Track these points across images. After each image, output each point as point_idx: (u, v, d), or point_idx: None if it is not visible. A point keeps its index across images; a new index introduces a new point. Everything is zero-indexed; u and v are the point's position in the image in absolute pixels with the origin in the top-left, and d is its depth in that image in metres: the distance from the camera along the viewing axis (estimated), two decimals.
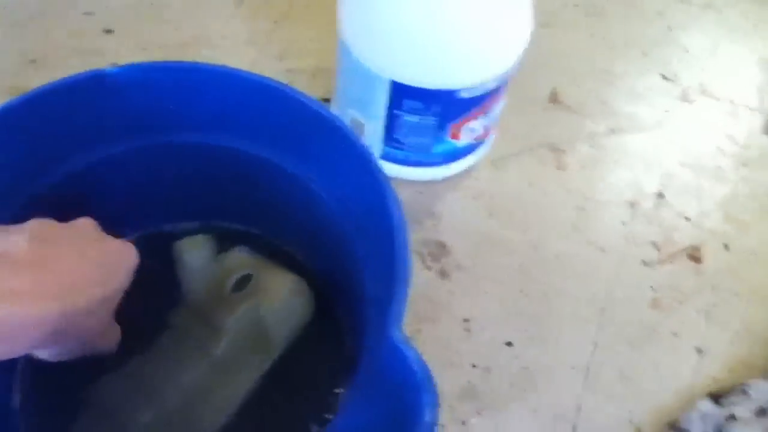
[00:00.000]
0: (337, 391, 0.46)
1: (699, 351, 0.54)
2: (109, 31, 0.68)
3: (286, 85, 0.42)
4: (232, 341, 0.46)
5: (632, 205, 0.61)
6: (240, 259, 0.50)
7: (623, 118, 0.66)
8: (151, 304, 0.44)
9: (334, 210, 0.43)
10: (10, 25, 0.68)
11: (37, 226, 0.34)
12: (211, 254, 0.50)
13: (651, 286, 0.56)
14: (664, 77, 0.69)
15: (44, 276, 0.32)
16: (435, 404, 0.29)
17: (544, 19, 0.72)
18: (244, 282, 0.48)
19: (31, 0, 0.69)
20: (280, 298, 0.47)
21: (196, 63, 0.43)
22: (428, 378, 0.30)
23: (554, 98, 0.67)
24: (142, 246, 0.40)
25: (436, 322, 0.54)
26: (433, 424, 0.29)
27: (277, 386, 0.46)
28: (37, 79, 0.41)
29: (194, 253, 0.50)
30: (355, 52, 0.51)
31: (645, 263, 0.58)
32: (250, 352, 0.46)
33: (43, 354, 0.36)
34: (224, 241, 0.50)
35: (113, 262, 0.37)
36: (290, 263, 0.50)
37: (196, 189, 0.49)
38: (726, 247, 0.59)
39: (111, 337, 0.40)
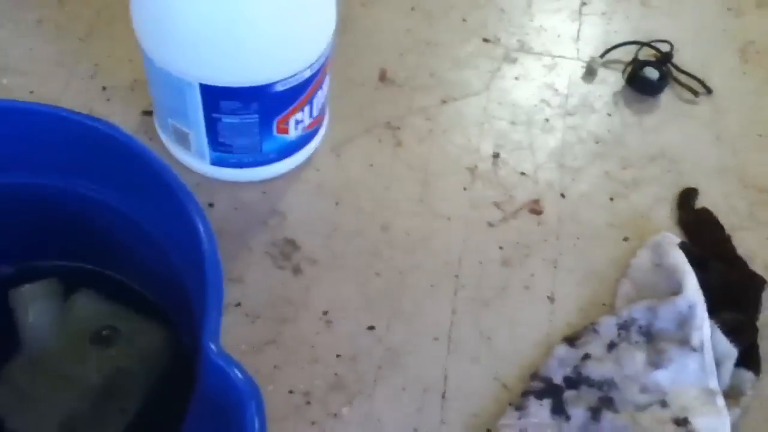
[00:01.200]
0: None
1: (551, 299, 0.56)
2: None
3: (82, 114, 0.39)
4: (92, 397, 0.44)
5: (471, 170, 0.62)
6: (92, 307, 0.47)
7: (452, 86, 0.67)
8: None
9: (160, 240, 0.41)
10: None
11: None
12: (59, 301, 0.47)
13: (499, 245, 0.58)
14: (485, 40, 0.71)
15: None
16: (261, 413, 0.28)
17: None
18: (101, 333, 0.46)
19: None
20: (141, 349, 0.46)
21: None
22: (252, 387, 0.29)
23: (383, 76, 0.67)
24: None
25: (295, 321, 0.53)
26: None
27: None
28: None
29: (40, 301, 0.47)
30: (157, 60, 0.49)
31: (490, 224, 0.59)
32: (109, 406, 0.44)
33: None
34: (64, 279, 0.47)
35: None
36: (131, 296, 0.47)
37: (25, 229, 0.46)
38: (562, 195, 0.61)
39: None
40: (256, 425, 0.29)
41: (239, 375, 0.30)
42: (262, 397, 0.30)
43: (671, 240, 0.56)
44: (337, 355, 0.52)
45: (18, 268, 0.47)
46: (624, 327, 0.51)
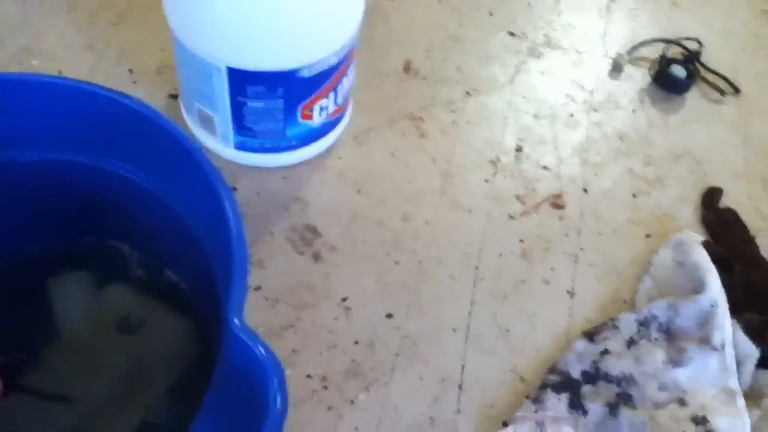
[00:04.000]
0: None
1: (570, 294, 0.55)
2: None
3: (112, 90, 0.40)
4: (117, 382, 0.44)
5: (494, 162, 0.62)
6: (123, 297, 0.48)
7: (477, 79, 0.67)
8: (22, 338, 0.41)
9: (186, 218, 0.41)
10: None
11: None
12: (92, 291, 0.48)
13: (519, 239, 0.58)
14: (512, 34, 0.71)
15: None
16: (283, 390, 0.28)
17: None
18: (128, 322, 0.47)
19: None
20: (166, 336, 0.46)
21: (10, 74, 0.40)
22: (274, 364, 0.29)
23: (408, 68, 0.67)
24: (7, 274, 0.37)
25: (315, 307, 0.53)
26: (283, 410, 0.28)
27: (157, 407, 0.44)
28: None
29: (73, 290, 0.48)
30: (187, 43, 0.49)
31: (511, 217, 0.59)
32: (134, 392, 0.45)
33: None
34: (93, 260, 0.48)
35: None
36: (158, 276, 0.48)
37: (55, 207, 0.46)
38: (585, 190, 0.61)
39: None
40: (278, 401, 0.29)
41: (262, 351, 0.30)
42: (285, 374, 0.30)
43: (694, 238, 0.56)
44: (355, 342, 0.52)
45: (47, 248, 0.48)
46: (644, 324, 0.51)
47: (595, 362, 0.50)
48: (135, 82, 0.63)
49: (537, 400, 0.48)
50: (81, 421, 0.43)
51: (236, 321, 0.30)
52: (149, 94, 0.62)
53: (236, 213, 0.33)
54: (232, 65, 0.48)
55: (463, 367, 0.51)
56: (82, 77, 0.62)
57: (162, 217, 0.42)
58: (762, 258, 0.57)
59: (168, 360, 0.46)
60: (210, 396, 0.32)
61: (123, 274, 0.48)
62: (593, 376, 0.49)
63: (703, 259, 0.53)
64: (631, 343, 0.50)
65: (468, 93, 0.66)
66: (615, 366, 0.49)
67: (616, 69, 0.69)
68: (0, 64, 0.63)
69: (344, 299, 0.54)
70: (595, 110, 0.66)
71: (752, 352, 0.50)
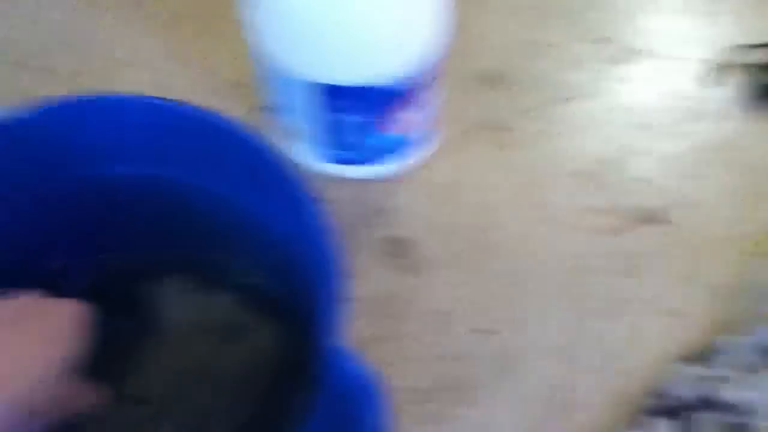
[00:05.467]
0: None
1: (673, 313, 0.52)
2: (22, 66, 0.65)
3: (203, 110, 0.40)
4: (216, 390, 0.45)
5: (589, 174, 0.59)
6: (221, 305, 0.48)
7: (561, 87, 0.65)
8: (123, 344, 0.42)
9: (278, 236, 0.41)
10: None
11: None
12: (192, 298, 0.49)
13: (619, 255, 0.55)
14: (599, 40, 0.68)
15: None
16: (387, 413, 0.27)
17: None
18: (226, 330, 0.47)
19: None
20: (261, 350, 0.46)
21: (102, 96, 0.40)
22: (376, 384, 0.28)
23: (489, 77, 0.65)
24: (105, 282, 0.39)
25: (406, 319, 0.52)
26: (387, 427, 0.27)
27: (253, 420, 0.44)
28: None
29: (175, 297, 0.48)
30: (270, 57, 0.49)
31: (610, 232, 0.56)
32: (230, 402, 0.45)
33: None
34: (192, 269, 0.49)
35: (57, 333, 0.35)
36: (252, 287, 0.48)
37: (148, 221, 0.47)
38: (685, 204, 0.58)
39: (83, 399, 0.39)
40: (382, 422, 0.27)
41: (364, 370, 0.29)
42: (388, 395, 0.29)
43: None
44: (451, 356, 0.50)
45: (147, 257, 0.48)
46: (764, 350, 0.47)
47: (705, 388, 0.47)
48: (216, 95, 0.63)
49: (643, 426, 0.45)
50: (178, 429, 0.43)
51: (337, 344, 0.29)
52: (232, 107, 0.62)
53: (331, 234, 0.32)
54: (321, 80, 0.48)
55: (562, 386, 0.49)
56: (165, 90, 0.63)
57: (257, 234, 0.42)
58: None
59: (263, 368, 0.45)
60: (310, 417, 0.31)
61: (219, 283, 0.48)
62: (705, 403, 0.46)
63: None
64: (748, 368, 0.47)
65: (553, 101, 0.64)
66: (730, 393, 0.46)
67: (716, 75, 0.65)
68: (89, 74, 0.64)
69: (437, 311, 0.52)
70: (693, 119, 0.63)
71: None
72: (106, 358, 0.38)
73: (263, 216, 0.41)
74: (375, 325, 0.51)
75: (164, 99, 0.40)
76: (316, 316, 0.33)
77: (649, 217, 0.57)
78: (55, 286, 0.42)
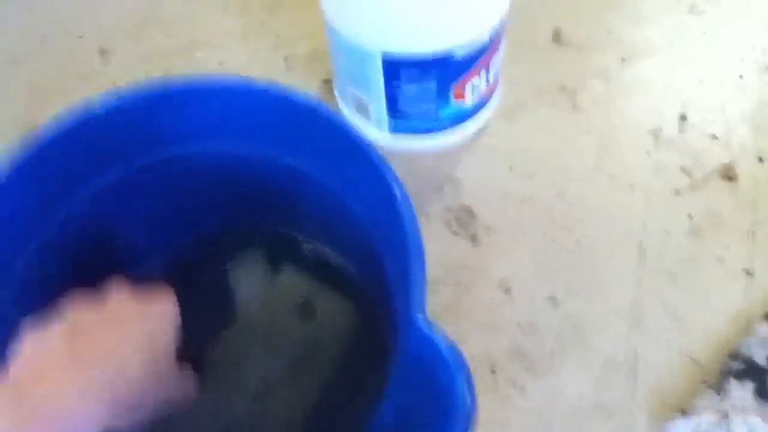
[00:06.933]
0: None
1: (747, 273, 0.52)
2: (104, 51, 0.67)
3: (280, 86, 0.41)
4: (290, 366, 0.46)
5: (655, 133, 0.59)
6: (297, 281, 0.50)
7: (631, 45, 0.63)
8: (202, 320, 0.44)
9: (360, 214, 0.42)
10: (11, 62, 0.68)
11: (73, 316, 0.34)
12: (268, 275, 0.51)
13: (687, 214, 0.54)
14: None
15: (87, 374, 0.31)
16: (469, 384, 0.29)
17: None
18: (301, 307, 0.49)
19: (29, 34, 0.69)
20: (336, 326, 0.48)
21: (182, 81, 0.42)
22: (459, 360, 0.29)
23: (557, 37, 0.65)
24: (186, 254, 0.42)
25: (473, 288, 0.53)
26: (471, 404, 0.28)
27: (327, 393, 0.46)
28: (47, 111, 0.43)
29: (251, 273, 0.50)
30: (341, 30, 0.50)
31: (677, 192, 0.56)
32: (307, 377, 0.47)
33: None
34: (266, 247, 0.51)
35: (156, 331, 0.36)
36: (328, 263, 0.50)
37: (230, 196, 0.49)
38: (760, 160, 0.56)
39: (185, 386, 0.40)
40: (468, 399, 0.29)
41: (443, 341, 0.30)
42: (470, 371, 0.30)
43: None
44: (518, 324, 0.51)
45: (224, 234, 0.51)
46: None
47: None
48: (289, 69, 0.64)
49: (718, 388, 0.45)
50: (256, 402, 0.46)
51: (420, 317, 0.30)
52: (303, 80, 0.63)
53: (410, 208, 0.34)
54: (385, 50, 0.48)
55: (632, 351, 0.49)
56: (241, 65, 0.65)
57: (331, 207, 0.43)
58: None
59: (341, 344, 0.47)
60: (391, 393, 0.33)
61: (295, 259, 0.50)
62: None
63: None
64: None
65: (623, 59, 0.63)
66: None
67: None
68: (168, 54, 0.66)
69: (503, 280, 0.53)
70: (767, 70, 0.61)
71: None
72: (189, 344, 0.39)
73: (348, 195, 0.42)
74: (439, 295, 0.52)
75: (250, 80, 0.41)
76: (398, 290, 0.34)
77: (719, 175, 0.56)
78: (136, 265, 0.45)
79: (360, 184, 0.39)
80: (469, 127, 0.58)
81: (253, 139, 0.43)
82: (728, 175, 0.56)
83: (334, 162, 0.41)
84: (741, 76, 0.61)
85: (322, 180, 0.43)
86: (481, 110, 0.58)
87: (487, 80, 0.55)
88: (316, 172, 0.43)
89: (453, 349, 0.30)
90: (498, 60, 0.55)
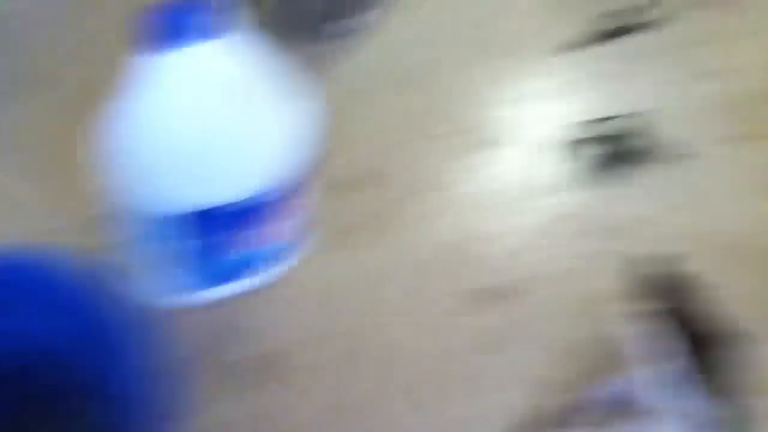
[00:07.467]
0: None
1: (531, 380, 0.54)
2: None
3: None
4: None
5: (447, 261, 0.62)
6: None
7: (421, 181, 0.68)
8: None
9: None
10: None
11: None
12: None
13: (478, 334, 0.57)
14: (448, 134, 0.71)
15: None
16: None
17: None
18: None
19: None
20: None
21: None
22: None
23: (363, 177, 0.68)
24: None
25: None
26: None
27: None
28: None
29: None
30: (122, 194, 0.50)
31: (469, 313, 0.58)
32: None
33: None
34: None
35: None
36: None
37: None
38: (535, 279, 0.60)
39: None
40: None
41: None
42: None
43: None
44: None
45: None
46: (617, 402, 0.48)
47: None
48: (69, 234, 0.61)
49: None
50: None
51: None
52: (87, 244, 0.59)
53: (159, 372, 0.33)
54: (175, 209, 0.49)
55: None
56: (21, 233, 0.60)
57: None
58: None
59: None
60: None
61: None
62: None
63: None
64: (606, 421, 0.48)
65: (411, 194, 0.67)
66: None
67: (565, 151, 0.70)
68: None
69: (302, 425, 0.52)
70: (546, 193, 0.67)
71: None
72: None
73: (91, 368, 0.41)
74: None
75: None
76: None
77: (506, 294, 0.59)
78: None
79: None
80: (275, 271, 0.59)
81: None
82: (516, 292, 0.59)
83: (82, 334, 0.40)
84: (528, 196, 0.66)
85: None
86: (288, 253, 0.59)
87: (294, 224, 0.56)
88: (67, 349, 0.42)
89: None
90: (305, 203, 0.57)
